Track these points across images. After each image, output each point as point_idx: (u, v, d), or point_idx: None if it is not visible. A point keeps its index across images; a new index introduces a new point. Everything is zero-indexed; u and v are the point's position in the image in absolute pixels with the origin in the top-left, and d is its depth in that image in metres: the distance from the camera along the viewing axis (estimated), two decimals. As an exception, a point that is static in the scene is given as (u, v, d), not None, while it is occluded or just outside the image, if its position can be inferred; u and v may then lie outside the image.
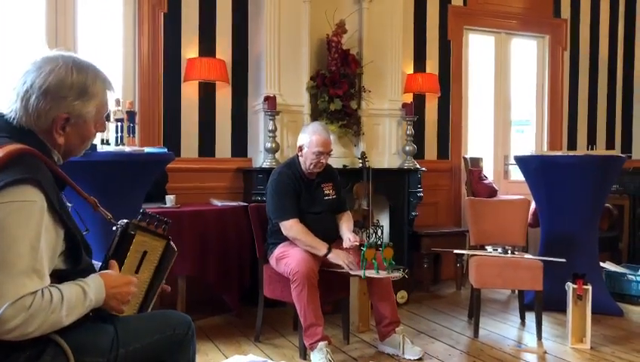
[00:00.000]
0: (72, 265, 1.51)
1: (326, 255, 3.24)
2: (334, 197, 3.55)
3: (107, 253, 1.65)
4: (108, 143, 3.47)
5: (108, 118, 3.36)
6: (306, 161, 3.42)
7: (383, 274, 3.23)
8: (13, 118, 1.49)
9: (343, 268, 3.24)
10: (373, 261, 3.19)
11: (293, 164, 3.49)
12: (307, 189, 3.46)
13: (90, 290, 1.46)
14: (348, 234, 3.42)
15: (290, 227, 3.31)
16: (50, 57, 1.52)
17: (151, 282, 1.71)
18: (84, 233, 1.58)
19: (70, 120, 1.52)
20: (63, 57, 1.53)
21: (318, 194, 3.49)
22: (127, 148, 3.24)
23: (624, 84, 6.55)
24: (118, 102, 3.62)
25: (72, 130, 1.54)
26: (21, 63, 1.55)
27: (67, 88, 1.49)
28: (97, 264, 1.68)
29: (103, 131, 1.69)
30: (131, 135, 3.59)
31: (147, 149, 3.31)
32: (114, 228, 1.67)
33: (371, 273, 3.21)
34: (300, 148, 3.44)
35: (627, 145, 6.52)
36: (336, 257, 3.23)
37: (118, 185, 2.94)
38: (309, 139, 3.39)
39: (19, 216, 1.35)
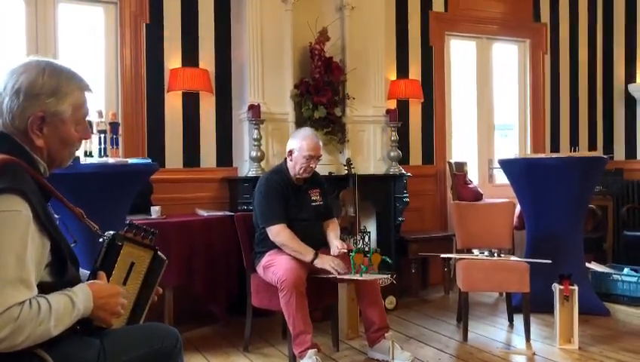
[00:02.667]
0: (58, 277, 1.49)
1: (312, 261, 3.24)
2: (321, 203, 3.56)
3: (94, 264, 1.64)
4: (91, 155, 3.44)
5: (90, 127, 3.33)
6: (296, 166, 3.42)
7: (371, 276, 3.24)
8: None
9: (330, 274, 3.24)
10: (363, 267, 3.20)
11: (281, 170, 3.50)
12: (295, 195, 3.46)
13: (78, 300, 1.45)
14: (336, 242, 3.42)
15: (278, 232, 3.31)
16: (23, 63, 1.53)
17: (139, 293, 1.70)
18: (72, 245, 1.57)
19: (45, 119, 1.51)
20: (37, 61, 1.54)
21: (305, 200, 3.49)
22: (110, 160, 3.21)
23: (604, 85, 6.64)
24: (100, 113, 3.60)
25: (50, 131, 1.52)
26: None
27: (39, 87, 1.49)
28: (86, 273, 1.67)
29: (87, 138, 1.68)
30: (115, 146, 3.57)
31: (131, 160, 3.28)
32: (100, 239, 1.66)
33: (361, 275, 3.21)
34: (290, 153, 3.45)
35: (609, 147, 6.60)
36: (323, 262, 3.23)
37: (102, 197, 2.91)
38: (299, 144, 3.41)
39: (4, 227, 1.34)
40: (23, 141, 1.50)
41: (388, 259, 3.38)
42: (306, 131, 3.55)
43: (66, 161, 1.62)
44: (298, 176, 3.45)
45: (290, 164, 3.47)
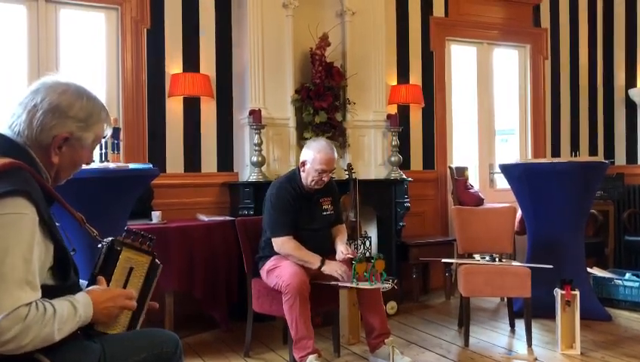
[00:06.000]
0: (61, 281, 1.51)
1: (320, 267, 3.23)
2: (332, 212, 3.53)
3: (93, 270, 1.65)
4: (92, 160, 3.43)
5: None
6: (308, 178, 3.38)
7: (372, 284, 3.22)
8: (17, 132, 1.52)
9: (333, 280, 3.23)
10: (365, 274, 3.19)
11: (294, 178, 3.45)
12: (306, 205, 3.43)
13: (79, 306, 1.47)
14: (341, 247, 3.40)
15: (283, 244, 3.30)
16: (63, 82, 1.59)
17: (138, 298, 1.70)
18: (72, 253, 1.58)
19: (69, 140, 1.56)
20: (76, 85, 1.61)
21: (316, 210, 3.47)
22: (111, 165, 3.21)
23: (604, 90, 6.64)
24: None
25: (68, 151, 1.58)
26: (18, 80, 1.59)
27: (76, 110, 1.56)
28: (84, 283, 1.67)
29: (89, 163, 1.72)
30: (116, 151, 3.57)
31: (132, 165, 3.28)
32: (99, 245, 1.67)
33: (362, 284, 3.20)
34: (303, 164, 3.39)
35: (610, 151, 6.60)
36: (330, 269, 3.22)
37: (102, 202, 2.91)
38: (312, 156, 3.35)
39: (11, 228, 1.35)
40: (36, 153, 1.54)
41: (385, 274, 3.33)
42: (321, 143, 3.42)
43: (64, 180, 1.68)
44: (309, 187, 3.43)
45: (302, 174, 3.42)
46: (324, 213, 3.49)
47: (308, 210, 3.43)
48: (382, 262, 3.24)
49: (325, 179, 3.38)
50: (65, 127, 1.54)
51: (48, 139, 1.53)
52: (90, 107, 1.59)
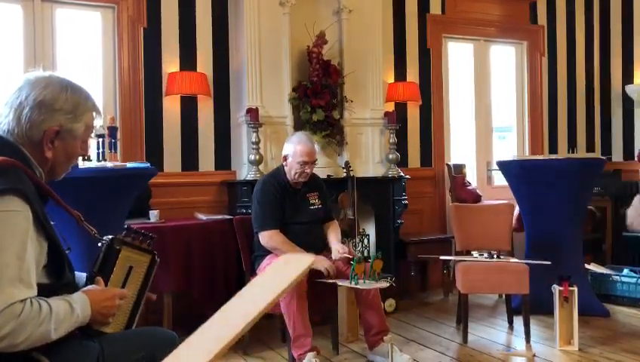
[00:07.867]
0: (55, 279, 1.50)
1: None
2: (320, 206, 3.55)
3: (92, 269, 1.65)
4: (89, 159, 3.42)
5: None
6: (291, 171, 3.42)
7: (369, 284, 3.22)
8: (7, 131, 1.52)
9: (331, 279, 3.23)
10: (363, 279, 3.19)
11: (279, 173, 3.50)
12: (292, 199, 3.46)
13: (77, 306, 1.46)
14: (336, 246, 3.41)
15: (270, 237, 3.32)
16: (44, 76, 1.58)
17: (137, 297, 1.70)
18: (67, 251, 1.58)
19: (60, 133, 1.55)
20: (58, 77, 1.60)
21: (303, 204, 3.49)
22: (109, 164, 3.21)
23: (601, 87, 6.65)
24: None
25: (61, 145, 1.57)
26: (13, 80, 1.59)
27: (61, 102, 1.55)
28: (82, 275, 1.67)
29: (86, 154, 1.72)
30: (113, 150, 3.56)
31: (129, 164, 3.28)
32: (99, 243, 1.67)
33: (361, 284, 3.20)
34: (285, 158, 3.46)
35: (607, 148, 6.60)
36: (317, 264, 3.23)
37: (100, 201, 2.91)
38: (293, 149, 3.41)
39: (4, 226, 1.35)
40: (29, 150, 1.53)
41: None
42: (300, 136, 3.53)
43: (62, 174, 1.66)
44: (295, 181, 3.45)
45: (286, 168, 3.47)
46: (312, 208, 3.51)
47: (294, 204, 3.45)
48: (380, 262, 3.23)
49: (308, 170, 3.43)
50: (54, 120, 1.54)
51: (39, 134, 1.53)
52: (75, 97, 1.58)
